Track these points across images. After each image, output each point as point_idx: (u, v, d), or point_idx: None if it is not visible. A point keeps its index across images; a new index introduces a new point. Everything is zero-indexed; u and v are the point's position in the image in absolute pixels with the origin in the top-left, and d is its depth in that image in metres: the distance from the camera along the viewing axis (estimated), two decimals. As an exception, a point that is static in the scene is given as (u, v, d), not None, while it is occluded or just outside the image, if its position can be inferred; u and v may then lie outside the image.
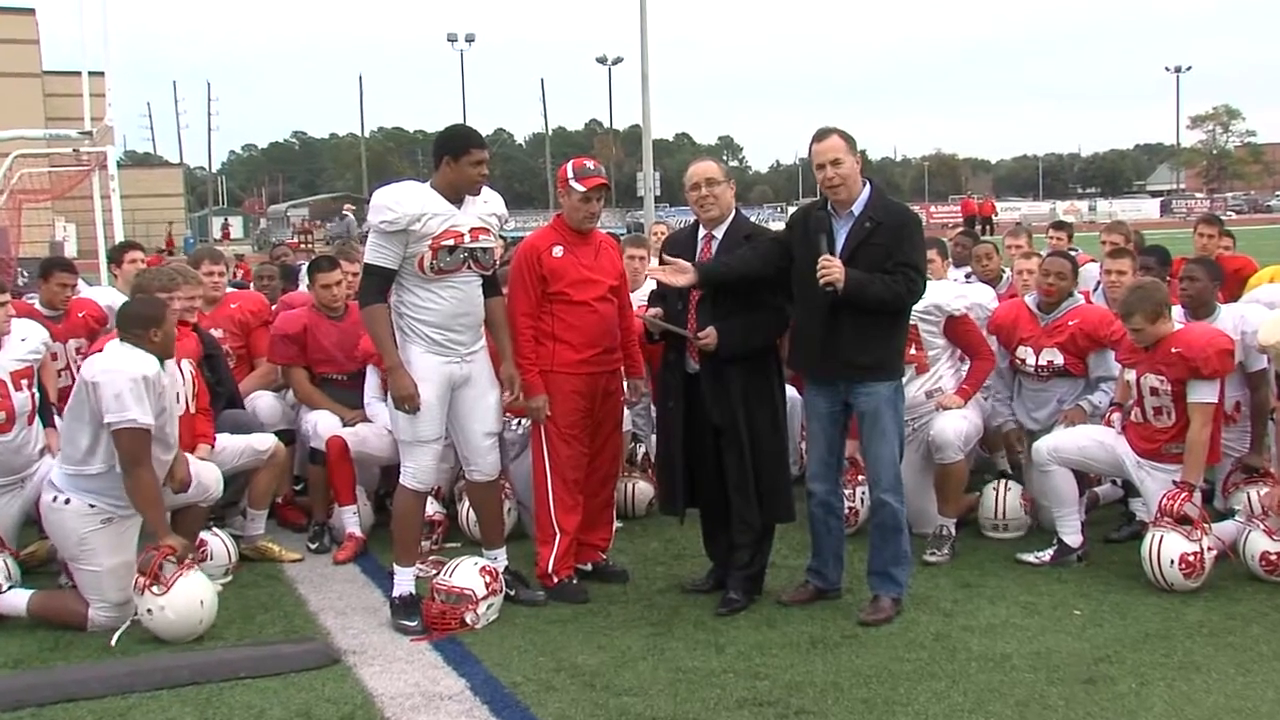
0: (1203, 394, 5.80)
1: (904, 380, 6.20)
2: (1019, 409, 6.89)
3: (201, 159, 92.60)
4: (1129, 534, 6.41)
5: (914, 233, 5.27)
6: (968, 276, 8.81)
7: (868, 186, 5.28)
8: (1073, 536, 6.12)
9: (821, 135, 5.29)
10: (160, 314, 5.54)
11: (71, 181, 19.60)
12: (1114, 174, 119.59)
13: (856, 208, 5.26)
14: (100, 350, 5.57)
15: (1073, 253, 8.46)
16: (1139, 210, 67.47)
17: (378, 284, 5.30)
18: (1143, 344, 5.99)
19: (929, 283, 6.57)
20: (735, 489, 5.45)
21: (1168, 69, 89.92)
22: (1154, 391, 5.92)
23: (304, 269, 9.25)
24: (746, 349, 5.38)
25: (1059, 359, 6.61)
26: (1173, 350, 5.84)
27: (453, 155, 5.29)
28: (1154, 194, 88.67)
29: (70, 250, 30.85)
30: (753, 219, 5.94)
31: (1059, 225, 10.57)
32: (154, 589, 5.21)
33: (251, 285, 9.89)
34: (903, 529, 5.39)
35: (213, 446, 6.20)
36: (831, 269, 5.10)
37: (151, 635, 5.27)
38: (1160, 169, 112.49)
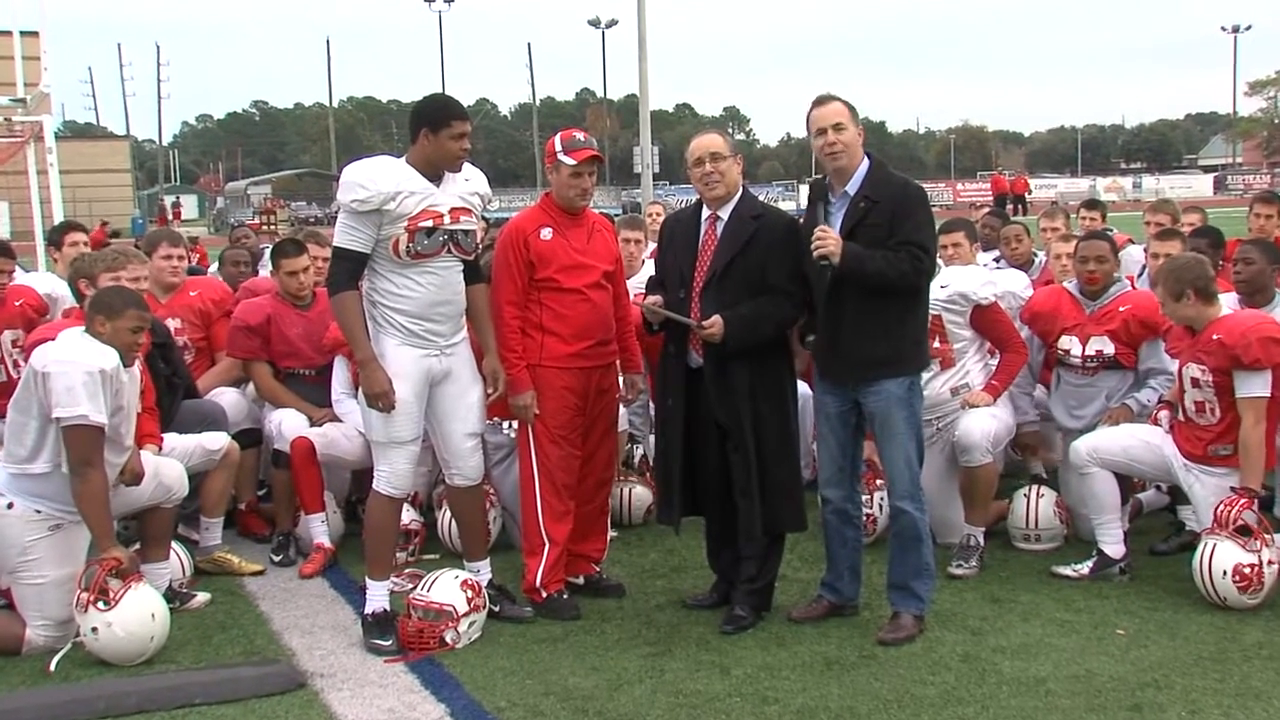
0: (1252, 386, 5.77)
1: (929, 376, 6.25)
2: (1057, 406, 6.88)
3: (150, 130, 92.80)
4: (1177, 545, 6.43)
5: (916, 209, 5.27)
6: (997, 260, 8.82)
7: (866, 161, 5.31)
8: (1114, 547, 6.13)
9: (822, 100, 5.34)
10: (116, 305, 5.53)
11: (3, 154, 19.53)
12: (1162, 147, 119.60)
13: (852, 186, 5.29)
14: (46, 339, 5.58)
15: (1108, 233, 8.46)
16: (1190, 187, 67.29)
17: (348, 269, 5.31)
18: (1183, 324, 6.00)
19: (955, 269, 6.62)
20: (741, 495, 5.47)
21: (1224, 29, 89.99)
22: (1195, 383, 5.93)
23: (267, 253, 9.27)
24: (755, 340, 5.40)
25: (1109, 349, 6.61)
26: (1214, 337, 5.84)
27: (432, 127, 5.31)
28: (1207, 169, 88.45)
29: (3, 231, 30.81)
30: (761, 197, 5.95)
31: (1091, 204, 10.60)
32: (99, 605, 5.21)
33: (210, 270, 9.88)
34: (923, 539, 5.41)
35: (159, 447, 6.20)
36: (826, 240, 5.13)
37: (95, 659, 5.27)
38: (1214, 141, 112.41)
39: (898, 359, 5.29)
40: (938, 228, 7.00)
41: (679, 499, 5.63)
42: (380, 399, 5.28)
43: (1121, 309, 6.62)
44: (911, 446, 5.37)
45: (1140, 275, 8.00)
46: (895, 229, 5.16)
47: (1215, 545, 5.64)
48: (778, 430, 5.49)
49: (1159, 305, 6.44)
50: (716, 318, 5.32)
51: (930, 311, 6.24)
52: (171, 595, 5.84)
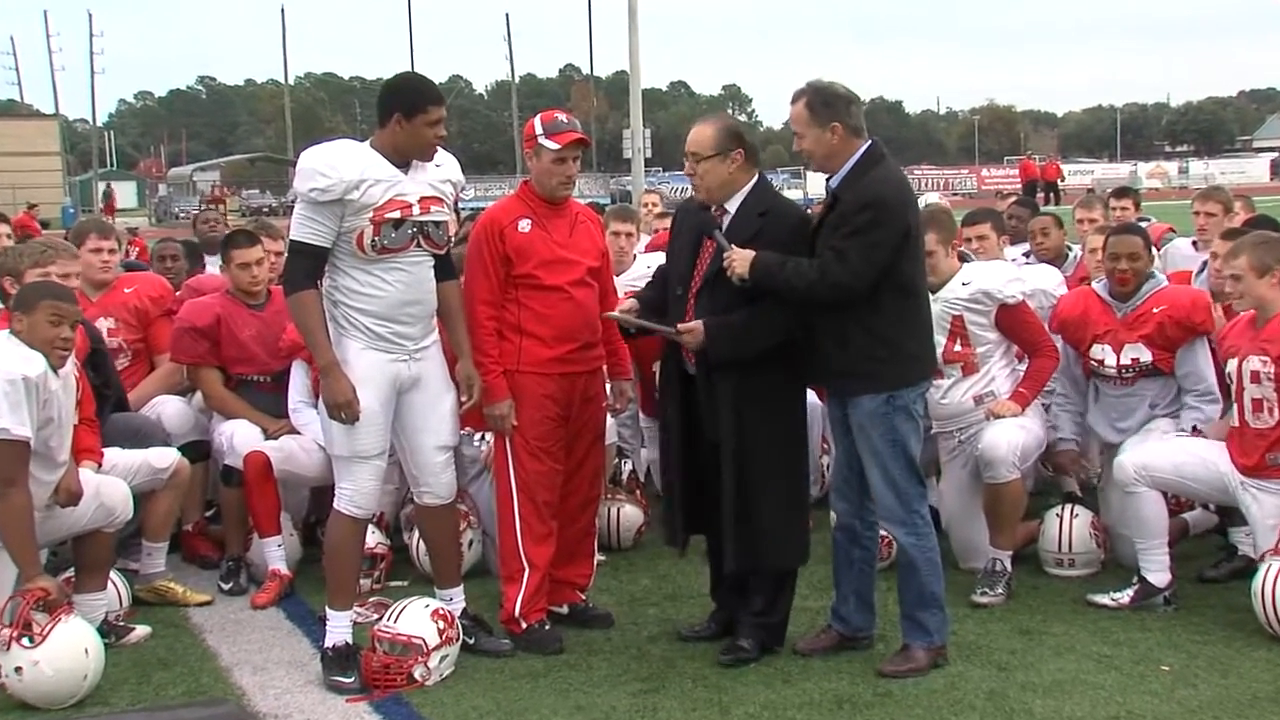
0: None
1: (949, 383, 6.29)
2: (1098, 419, 6.84)
3: (83, 109, 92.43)
4: (1229, 571, 6.43)
5: (864, 213, 5.20)
6: (1027, 255, 8.82)
7: (857, 154, 5.33)
8: (1159, 574, 6.11)
9: (792, 98, 5.42)
10: (29, 298, 5.55)
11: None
12: (1212, 127, 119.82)
13: (835, 181, 5.37)
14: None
15: (1143, 224, 8.45)
16: (1243, 172, 67.19)
17: (307, 266, 5.32)
18: (1240, 302, 5.97)
19: (978, 265, 6.63)
20: (726, 520, 5.46)
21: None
22: (1255, 378, 5.89)
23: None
24: (743, 353, 5.38)
25: (1146, 356, 6.55)
26: None
27: (406, 113, 5.31)
28: (1262, 150, 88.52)
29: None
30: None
31: (1122, 192, 10.51)
32: (24, 641, 5.18)
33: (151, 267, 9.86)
34: (919, 568, 5.40)
35: (99, 464, 6.19)
36: (732, 260, 5.28)
37: (19, 702, 5.23)
38: (1271, 121, 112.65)
39: (863, 372, 5.30)
40: (961, 219, 7.05)
41: (680, 517, 5.67)
42: (343, 409, 5.28)
43: (1156, 310, 6.52)
44: (896, 468, 5.35)
45: (1200, 274, 7.92)
46: (834, 233, 5.26)
47: (1278, 570, 5.63)
48: (773, 447, 5.47)
49: (1204, 302, 6.44)
50: (698, 324, 5.35)
51: (951, 312, 6.29)
52: (107, 629, 5.82)
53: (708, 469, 5.55)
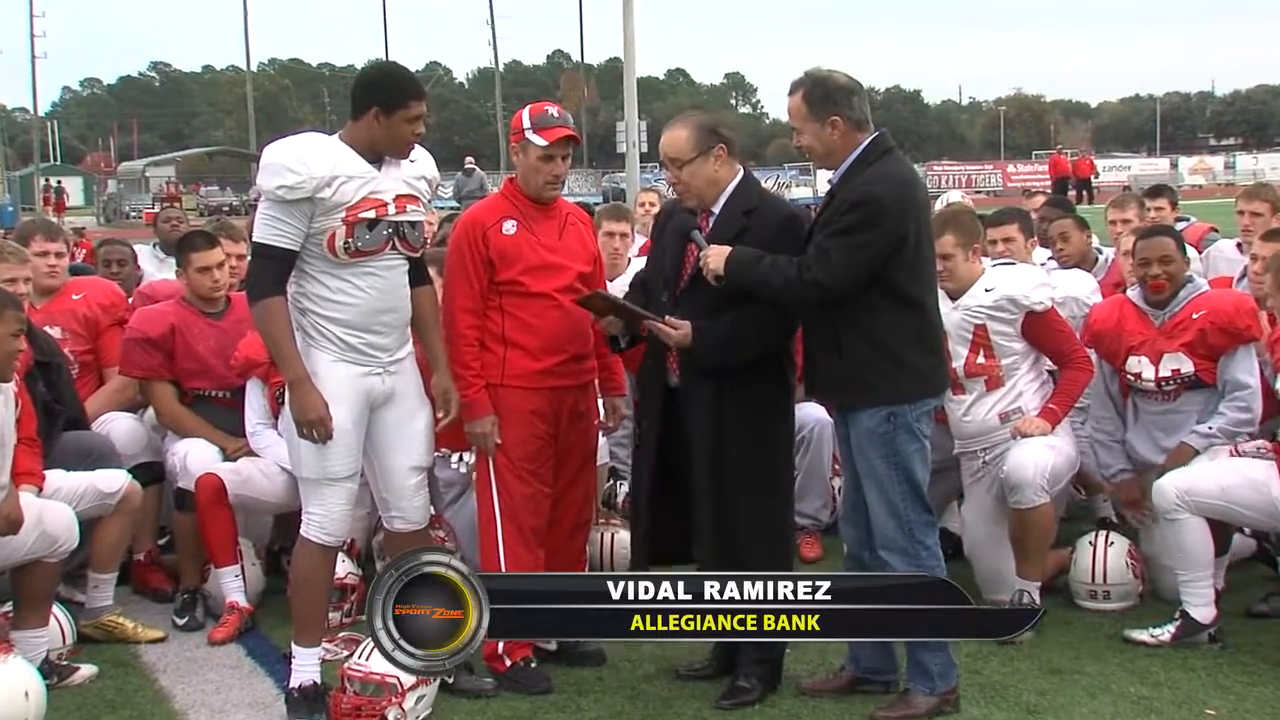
0: None
1: (971, 399, 6.31)
2: (1139, 438, 6.79)
3: (23, 98, 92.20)
4: (1280, 606, 6.45)
5: (857, 209, 5.22)
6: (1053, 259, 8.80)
7: (859, 149, 5.35)
8: (1203, 609, 6.09)
9: (789, 91, 5.44)
10: None
11: None
12: (1262, 119, 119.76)
13: (835, 177, 5.43)
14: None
15: (1181, 224, 8.43)
16: (1296, 167, 67.25)
17: (274, 270, 5.31)
18: None
19: (1002, 269, 6.62)
20: (698, 531, 5.51)
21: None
22: None
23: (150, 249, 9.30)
24: (732, 361, 5.41)
25: (1187, 366, 6.51)
26: None
27: (385, 108, 5.32)
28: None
29: None
30: (770, 183, 5.98)
31: (1156, 191, 10.47)
32: (-41, 682, 5.18)
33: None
34: None
35: (40, 488, 6.17)
36: (707, 259, 5.33)
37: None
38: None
39: (860, 381, 5.31)
40: (988, 218, 7.04)
41: (644, 540, 5.73)
42: (314, 426, 5.27)
43: (1196, 315, 6.48)
44: (898, 491, 5.34)
45: (1241, 279, 7.94)
46: (823, 227, 5.31)
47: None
48: (756, 464, 5.50)
49: (1249, 306, 6.44)
50: (686, 323, 5.39)
51: (973, 321, 6.29)
52: (49, 669, 5.81)
53: (687, 486, 5.58)
